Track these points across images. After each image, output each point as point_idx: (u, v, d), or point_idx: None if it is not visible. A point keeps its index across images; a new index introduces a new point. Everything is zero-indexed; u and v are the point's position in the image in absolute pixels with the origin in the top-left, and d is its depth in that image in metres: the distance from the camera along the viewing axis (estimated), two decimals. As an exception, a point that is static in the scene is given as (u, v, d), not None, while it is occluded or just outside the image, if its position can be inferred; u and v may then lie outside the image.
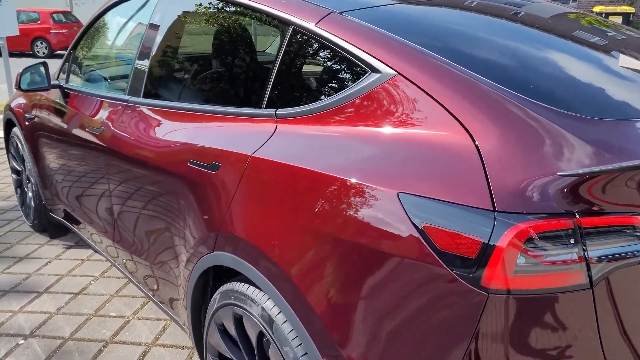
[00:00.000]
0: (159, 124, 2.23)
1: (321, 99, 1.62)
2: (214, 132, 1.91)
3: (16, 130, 3.75)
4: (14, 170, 4.03)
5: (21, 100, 3.68)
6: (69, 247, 3.63)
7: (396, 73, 1.43)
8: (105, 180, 2.57)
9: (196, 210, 1.91)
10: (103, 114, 2.65)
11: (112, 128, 2.48)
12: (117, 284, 3.14)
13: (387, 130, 1.39)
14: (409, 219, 1.21)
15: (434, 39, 1.60)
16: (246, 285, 1.68)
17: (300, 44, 1.74)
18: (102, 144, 2.54)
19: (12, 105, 3.77)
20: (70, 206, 3.13)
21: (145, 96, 2.38)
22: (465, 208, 1.16)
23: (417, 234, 1.20)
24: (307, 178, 1.46)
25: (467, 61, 1.45)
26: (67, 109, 3.02)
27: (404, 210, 1.23)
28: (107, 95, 2.69)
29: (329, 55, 1.67)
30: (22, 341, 2.63)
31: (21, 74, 3.02)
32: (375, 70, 1.48)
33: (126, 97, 2.49)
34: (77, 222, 3.12)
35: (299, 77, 1.77)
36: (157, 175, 2.13)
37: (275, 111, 1.73)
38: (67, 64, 3.23)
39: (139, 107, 2.38)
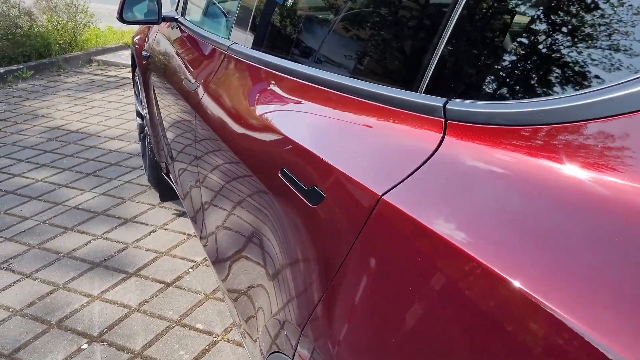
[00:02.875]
0: (253, 91, 1.40)
1: (551, 94, 0.68)
2: (325, 126, 1.05)
3: (137, 69, 3.20)
4: (138, 114, 3.53)
5: (142, 35, 3.09)
6: (179, 215, 3.05)
7: None
8: (193, 152, 1.84)
9: (278, 262, 1.09)
10: (201, 64, 1.90)
11: (205, 85, 1.72)
12: (215, 281, 2.48)
13: None
14: None
15: None
16: None
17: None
18: (194, 104, 1.80)
19: (135, 39, 3.21)
20: (172, 171, 2.50)
21: (251, 45, 1.58)
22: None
23: None
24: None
25: None
26: (175, 51, 2.33)
27: None
28: (210, 37, 1.93)
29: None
30: (85, 345, 2.07)
31: (124, 1, 2.36)
32: None
33: (227, 43, 1.70)
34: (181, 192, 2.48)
35: (500, 42, 0.81)
36: (242, 175, 1.33)
37: (445, 103, 0.81)
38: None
39: (238, 58, 1.58)
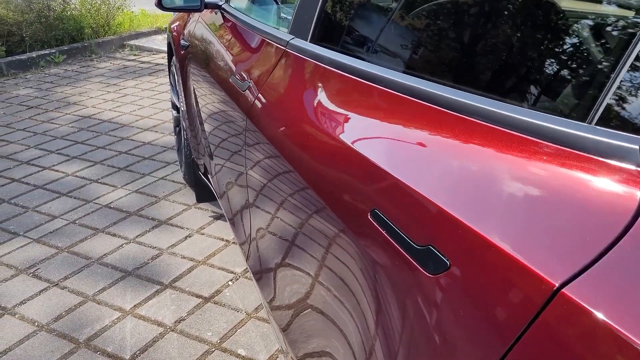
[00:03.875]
0: (326, 101, 1.15)
1: None
2: (438, 160, 0.79)
3: (174, 58, 2.97)
4: (174, 106, 3.30)
5: (180, 22, 2.85)
6: (217, 218, 2.83)
7: None
8: (242, 161, 1.60)
9: (354, 309, 0.85)
10: (251, 60, 1.65)
11: (258, 86, 1.47)
12: (258, 297, 2.25)
13: None
14: None
15: None
16: None
17: None
18: (245, 107, 1.55)
19: (173, 25, 2.97)
20: (212, 174, 2.27)
21: (317, 40, 1.32)
22: None
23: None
24: None
25: None
26: (219, 42, 2.09)
27: None
28: (261, 28, 1.67)
29: None
30: (116, 370, 1.87)
31: (163, -15, 2.12)
32: None
33: (286, 37, 1.44)
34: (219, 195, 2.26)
35: None
36: (309, 203, 1.08)
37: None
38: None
39: (302, 57, 1.32)
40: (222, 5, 2.18)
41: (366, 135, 0.96)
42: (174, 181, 3.23)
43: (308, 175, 1.10)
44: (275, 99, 1.37)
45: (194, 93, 2.42)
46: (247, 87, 1.57)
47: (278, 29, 1.57)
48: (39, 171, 3.39)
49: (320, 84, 1.23)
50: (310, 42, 1.33)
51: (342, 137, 1.01)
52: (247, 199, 1.61)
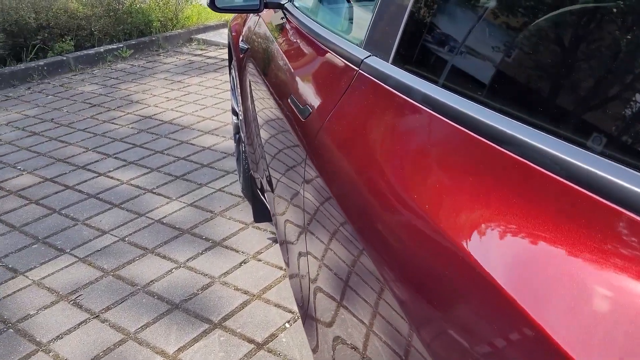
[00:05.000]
0: (413, 150, 0.81)
1: None
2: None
3: (233, 60, 2.69)
4: (233, 111, 3.03)
5: (240, 20, 2.56)
6: (275, 241, 2.54)
7: None
8: (300, 200, 1.28)
9: None
10: (316, 78, 1.32)
11: (322, 116, 1.15)
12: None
13: None
14: None
15: None
16: None
17: None
18: (307, 139, 1.23)
19: (233, 24, 2.69)
20: (266, 194, 1.98)
21: (401, 63, 0.97)
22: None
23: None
24: None
25: None
26: (279, 49, 1.77)
27: None
28: (328, 38, 1.34)
29: None
30: None
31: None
32: None
33: (360, 55, 1.10)
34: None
35: None
36: (382, 277, 0.75)
37: None
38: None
39: (380, 83, 0.98)
40: (285, 5, 1.87)
41: (454, 208, 0.62)
42: (232, 194, 2.97)
43: (380, 249, 0.77)
44: (342, 136, 1.03)
45: (252, 104, 2.12)
46: (308, 114, 1.24)
47: (349, 42, 1.22)
48: (93, 177, 3.22)
49: (403, 123, 0.89)
50: (392, 63, 0.98)
51: (423, 200, 0.68)
52: (305, 249, 1.29)
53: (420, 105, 0.84)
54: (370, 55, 1.06)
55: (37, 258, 2.46)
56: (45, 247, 2.55)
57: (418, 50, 0.95)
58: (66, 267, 2.40)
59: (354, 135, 0.99)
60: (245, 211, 2.78)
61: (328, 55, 1.30)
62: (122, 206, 2.88)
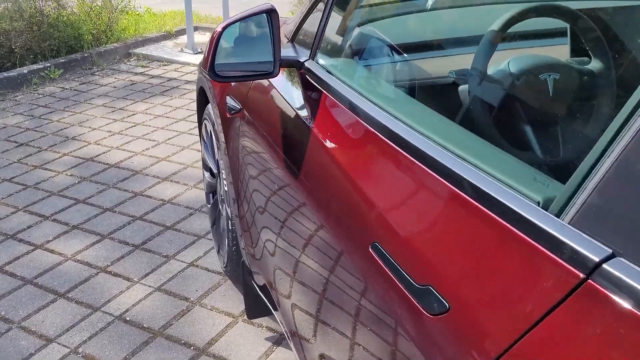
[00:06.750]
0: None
1: None
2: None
3: (210, 110, 2.13)
4: (206, 166, 2.46)
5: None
6: (278, 342, 2.01)
7: None
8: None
9: None
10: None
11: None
12: None
13: None
14: None
15: None
16: None
17: None
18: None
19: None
20: (271, 283, 1.46)
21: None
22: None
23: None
24: None
25: None
26: (295, 123, 1.25)
27: None
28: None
29: None
30: None
31: (217, 39, 1.26)
32: None
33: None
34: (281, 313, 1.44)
35: None
36: None
37: None
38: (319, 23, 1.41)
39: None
40: (305, 63, 1.34)
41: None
42: (208, 270, 2.40)
43: None
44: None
45: (247, 185, 1.58)
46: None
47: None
48: (28, 252, 2.56)
49: None
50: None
51: None
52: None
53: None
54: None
55: (-43, 391, 1.84)
56: (-32, 370, 1.92)
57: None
58: (0, 404, 1.78)
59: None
60: (228, 296, 2.24)
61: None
62: (70, 296, 2.27)
